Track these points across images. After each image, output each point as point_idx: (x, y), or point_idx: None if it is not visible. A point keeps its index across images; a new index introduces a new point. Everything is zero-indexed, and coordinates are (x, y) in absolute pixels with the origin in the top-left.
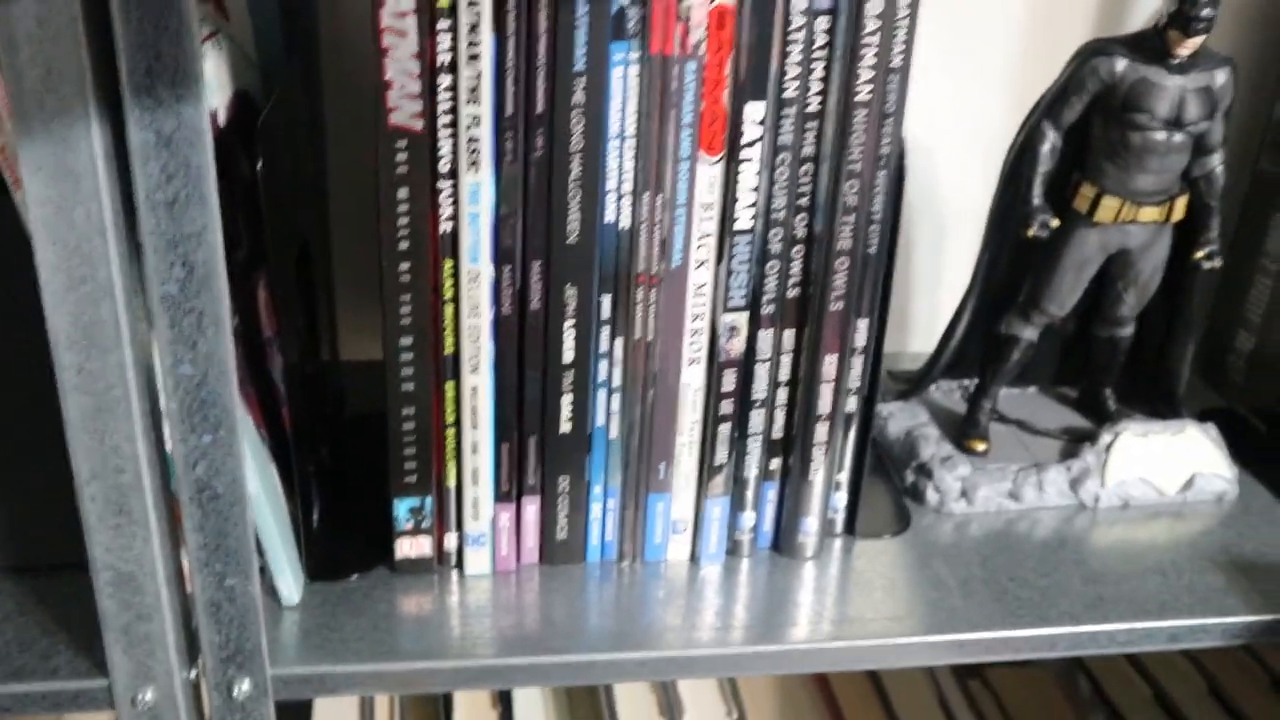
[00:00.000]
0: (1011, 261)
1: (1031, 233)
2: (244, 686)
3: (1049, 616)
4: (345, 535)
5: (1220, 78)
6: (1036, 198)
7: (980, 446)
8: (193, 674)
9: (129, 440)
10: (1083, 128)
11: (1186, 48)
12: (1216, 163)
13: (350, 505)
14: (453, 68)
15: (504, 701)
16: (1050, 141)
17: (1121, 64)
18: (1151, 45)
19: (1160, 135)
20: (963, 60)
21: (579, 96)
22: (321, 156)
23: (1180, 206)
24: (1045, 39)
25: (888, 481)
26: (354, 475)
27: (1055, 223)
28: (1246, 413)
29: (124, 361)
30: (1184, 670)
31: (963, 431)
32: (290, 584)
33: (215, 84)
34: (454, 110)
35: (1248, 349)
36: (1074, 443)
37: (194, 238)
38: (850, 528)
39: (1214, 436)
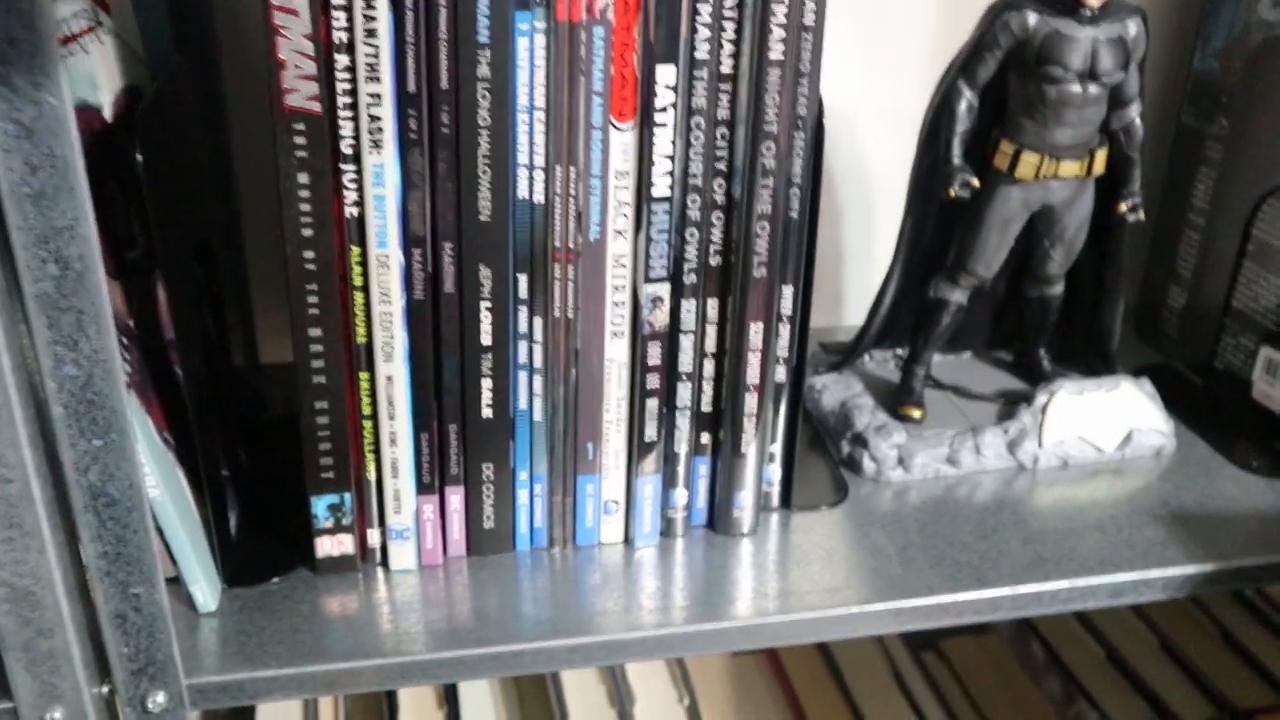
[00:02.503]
0: (937, 225)
1: (953, 193)
2: (159, 699)
3: (988, 579)
4: (265, 539)
5: (1132, 28)
6: (956, 158)
7: (915, 414)
8: (104, 690)
9: (13, 448)
10: (998, 85)
11: None
12: (1134, 114)
13: (270, 509)
14: (350, 46)
15: (450, 700)
16: (966, 100)
17: (1033, 17)
18: None
19: (1075, 88)
20: (879, 27)
21: (484, 70)
22: (224, 151)
23: (1100, 159)
24: (962, 1)
25: (824, 454)
26: (273, 478)
27: (976, 182)
28: (1181, 367)
29: (1, 366)
30: (1136, 628)
31: (897, 399)
32: (205, 591)
33: (101, 79)
34: (353, 90)
35: (1180, 304)
36: (1010, 405)
37: (65, 232)
38: (786, 501)
39: (1149, 391)
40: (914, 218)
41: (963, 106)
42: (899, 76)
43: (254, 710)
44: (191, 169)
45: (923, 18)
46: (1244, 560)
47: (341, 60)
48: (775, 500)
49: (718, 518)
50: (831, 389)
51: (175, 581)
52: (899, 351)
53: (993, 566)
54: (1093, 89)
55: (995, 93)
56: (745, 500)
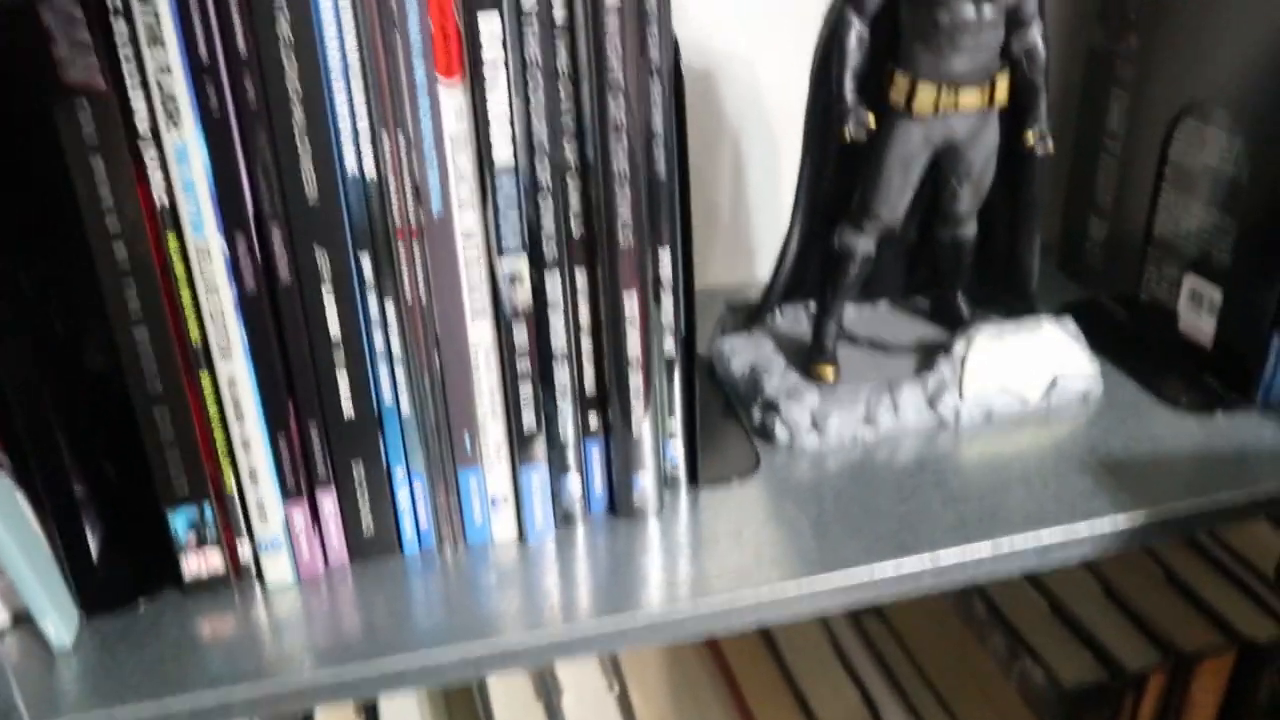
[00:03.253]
0: (837, 169)
1: (848, 134)
2: None
3: (907, 546)
4: (130, 560)
5: None
6: (849, 95)
7: (828, 372)
8: None
9: None
10: (890, 13)
11: None
12: (1035, 36)
13: (138, 526)
14: (126, 10)
15: (368, 710)
16: (856, 31)
17: None
18: None
19: (969, 11)
20: None
21: (285, 30)
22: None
23: (1002, 87)
24: None
25: (736, 422)
26: (142, 491)
27: (871, 121)
28: (1107, 300)
29: None
30: (1079, 576)
31: (809, 358)
32: (58, 625)
33: None
34: (139, 60)
35: (1101, 235)
36: (928, 355)
37: None
38: (693, 477)
39: (1072, 331)
40: (812, 162)
41: (853, 39)
42: (799, 14)
43: None
44: (13, 145)
45: None
46: (1175, 507)
47: (119, 27)
48: (682, 477)
49: (619, 502)
50: (741, 351)
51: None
52: (810, 306)
53: (912, 533)
54: (988, 11)
55: (888, 22)
56: (645, 482)
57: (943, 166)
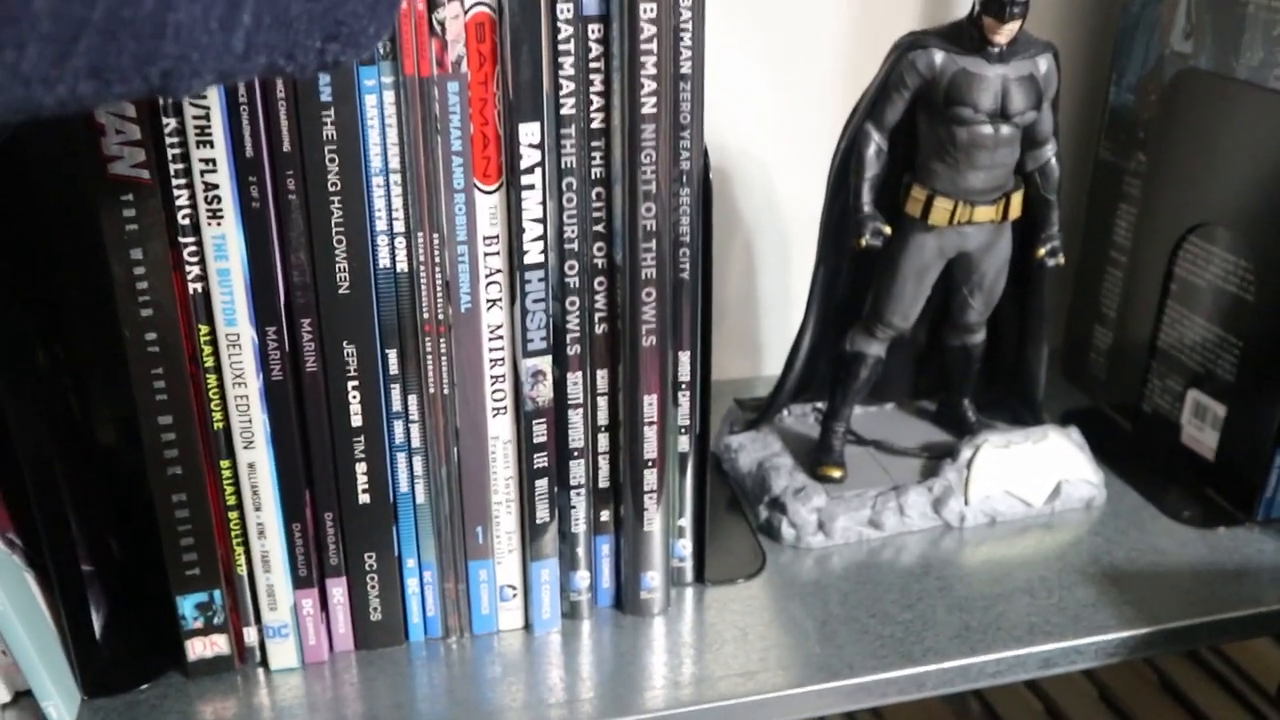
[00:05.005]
0: (850, 274)
1: (864, 243)
2: None
3: (913, 654)
4: (134, 640)
5: (1043, 65)
6: (866, 205)
7: (836, 474)
8: None
9: None
10: (908, 126)
11: (1003, 34)
12: (1049, 154)
13: (144, 604)
14: (177, 107)
15: None
16: (875, 144)
17: (939, 56)
18: (968, 35)
19: (987, 129)
20: (791, 64)
21: (330, 130)
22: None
23: (1016, 203)
24: (875, 33)
25: (742, 519)
26: (148, 568)
27: (888, 230)
28: (1109, 410)
29: None
30: (1073, 678)
31: (816, 459)
32: (60, 708)
33: None
34: (185, 155)
35: (1106, 345)
36: (934, 460)
37: None
38: (700, 575)
39: (1077, 440)
40: (826, 267)
41: (871, 150)
42: (807, 113)
43: None
44: (33, 229)
45: (829, 50)
46: (1177, 623)
47: (169, 123)
48: (688, 575)
49: (625, 598)
50: (748, 448)
51: (28, 694)
52: (818, 405)
53: (917, 640)
54: (1005, 130)
55: (906, 134)
56: (653, 580)
57: (955, 275)
